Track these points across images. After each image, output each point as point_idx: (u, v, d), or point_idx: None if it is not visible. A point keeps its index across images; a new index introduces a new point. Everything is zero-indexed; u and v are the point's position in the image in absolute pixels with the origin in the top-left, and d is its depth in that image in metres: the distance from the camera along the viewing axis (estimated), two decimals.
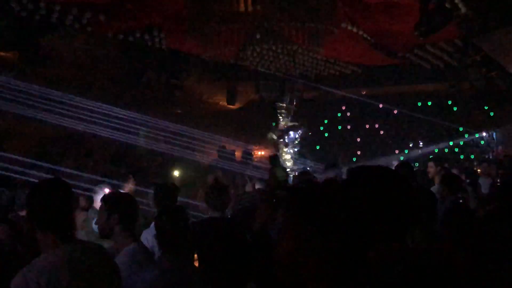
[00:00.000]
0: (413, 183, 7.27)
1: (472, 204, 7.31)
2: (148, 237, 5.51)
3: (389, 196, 2.37)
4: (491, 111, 16.85)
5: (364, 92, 16.69)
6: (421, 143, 17.58)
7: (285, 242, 2.33)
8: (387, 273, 2.29)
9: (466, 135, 17.33)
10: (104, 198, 4.10)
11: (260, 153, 16.13)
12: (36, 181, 3.85)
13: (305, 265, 2.22)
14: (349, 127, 18.20)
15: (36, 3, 9.44)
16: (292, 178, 10.80)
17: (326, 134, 18.07)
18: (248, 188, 8.86)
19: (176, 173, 11.71)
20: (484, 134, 17.22)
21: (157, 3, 10.24)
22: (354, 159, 17.84)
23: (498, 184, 9.15)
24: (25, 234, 4.76)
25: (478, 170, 12.46)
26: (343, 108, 17.87)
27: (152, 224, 5.84)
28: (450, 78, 15.08)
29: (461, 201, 6.57)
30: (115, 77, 13.13)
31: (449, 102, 16.52)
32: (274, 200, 5.05)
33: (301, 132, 12.20)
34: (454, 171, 10.01)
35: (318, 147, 17.44)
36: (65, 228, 3.29)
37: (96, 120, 12.44)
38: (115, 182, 9.12)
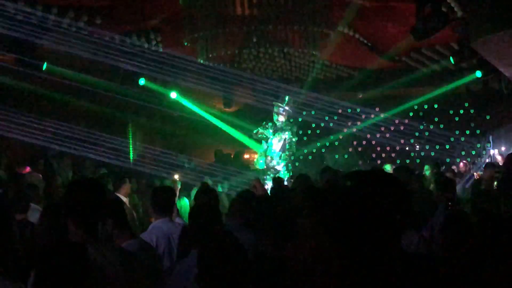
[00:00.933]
0: (410, 187, 7.31)
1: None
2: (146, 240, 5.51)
3: (385, 200, 2.38)
4: (487, 114, 16.88)
5: (361, 96, 16.71)
6: (417, 147, 17.58)
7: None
8: (384, 278, 2.30)
9: (462, 138, 17.36)
10: None
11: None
12: None
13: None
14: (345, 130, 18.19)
15: (33, 6, 9.44)
16: (290, 181, 10.78)
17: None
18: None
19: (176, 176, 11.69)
20: (480, 137, 17.26)
21: (154, 7, 10.25)
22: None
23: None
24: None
25: (475, 173, 12.47)
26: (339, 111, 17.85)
27: (150, 228, 5.84)
28: (446, 81, 15.12)
29: (450, 203, 6.58)
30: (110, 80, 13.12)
31: (445, 106, 16.52)
32: None
33: (291, 134, 12.03)
34: (448, 174, 10.04)
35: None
36: (93, 228, 3.40)
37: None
38: None
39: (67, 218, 3.41)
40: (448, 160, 16.58)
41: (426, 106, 17.31)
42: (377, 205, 2.36)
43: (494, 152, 15.92)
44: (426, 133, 17.19)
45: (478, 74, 13.41)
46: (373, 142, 18.07)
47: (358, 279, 2.28)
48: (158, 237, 5.39)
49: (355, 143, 18.31)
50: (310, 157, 17.90)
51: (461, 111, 17.12)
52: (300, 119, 16.51)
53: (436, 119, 17.23)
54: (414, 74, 14.39)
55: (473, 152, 17.16)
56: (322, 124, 16.77)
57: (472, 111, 17.13)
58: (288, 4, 9.31)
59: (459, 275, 2.63)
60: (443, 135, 17.12)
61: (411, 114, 17.32)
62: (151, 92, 14.11)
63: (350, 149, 18.26)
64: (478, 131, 17.38)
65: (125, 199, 8.51)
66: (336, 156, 17.59)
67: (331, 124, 16.49)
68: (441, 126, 17.32)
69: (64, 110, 13.12)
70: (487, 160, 15.56)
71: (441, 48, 12.44)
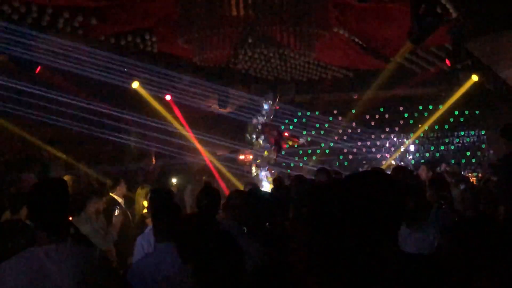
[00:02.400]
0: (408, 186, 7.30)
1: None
2: (143, 242, 5.49)
3: (383, 200, 2.38)
4: (482, 115, 16.93)
5: (356, 96, 16.74)
6: (412, 147, 17.64)
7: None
8: (384, 278, 2.30)
9: (457, 140, 17.43)
10: None
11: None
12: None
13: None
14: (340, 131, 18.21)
15: (28, 6, 9.43)
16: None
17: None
18: None
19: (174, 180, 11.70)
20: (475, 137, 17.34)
21: (149, 7, 10.25)
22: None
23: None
24: None
25: (469, 174, 12.52)
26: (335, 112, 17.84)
27: (147, 230, 5.82)
28: (441, 82, 15.17)
29: (443, 206, 6.60)
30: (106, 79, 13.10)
31: (440, 107, 16.57)
32: None
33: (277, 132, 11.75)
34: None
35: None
36: (59, 228, 3.33)
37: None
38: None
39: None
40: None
41: (420, 107, 17.41)
42: (374, 205, 2.37)
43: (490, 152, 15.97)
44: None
45: (475, 78, 13.47)
46: None
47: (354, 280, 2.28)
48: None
49: None
50: None
51: (456, 112, 17.16)
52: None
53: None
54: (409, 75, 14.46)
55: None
56: None
57: (467, 112, 17.20)
58: (283, 5, 9.32)
59: (455, 275, 2.64)
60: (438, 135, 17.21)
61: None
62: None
63: None
64: (472, 132, 17.47)
65: (120, 200, 8.50)
66: None
67: None
68: (436, 127, 17.40)
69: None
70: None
71: (436, 50, 12.47)
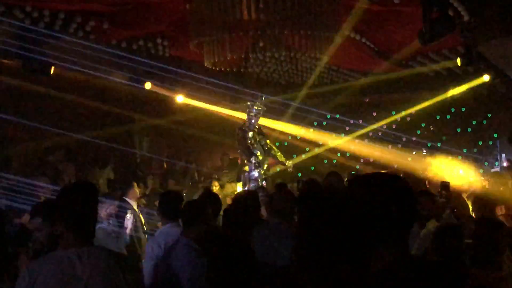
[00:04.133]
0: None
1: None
2: (153, 245, 5.51)
3: (392, 202, 2.38)
4: (495, 119, 16.81)
5: (368, 100, 16.70)
6: (424, 151, 17.51)
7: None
8: (389, 281, 2.29)
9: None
10: None
11: None
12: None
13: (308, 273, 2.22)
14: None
15: (40, 11, 9.49)
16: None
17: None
18: None
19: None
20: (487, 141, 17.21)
21: (160, 11, 10.29)
22: None
23: None
24: None
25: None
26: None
27: (157, 233, 5.85)
28: (453, 85, 15.08)
29: (455, 210, 6.65)
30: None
31: (452, 110, 16.47)
32: None
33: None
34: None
35: None
36: (87, 231, 3.36)
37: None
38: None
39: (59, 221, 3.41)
40: None
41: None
42: (384, 207, 2.36)
43: (503, 157, 15.83)
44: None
45: (486, 78, 13.37)
46: None
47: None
48: (166, 242, 5.39)
49: None
50: None
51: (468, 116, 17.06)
52: None
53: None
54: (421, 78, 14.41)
55: None
56: None
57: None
58: (294, 8, 9.31)
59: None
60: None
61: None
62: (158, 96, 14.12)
63: None
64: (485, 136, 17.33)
65: (133, 203, 8.54)
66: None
67: None
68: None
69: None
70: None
71: (448, 53, 12.42)
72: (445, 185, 7.45)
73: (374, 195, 2.41)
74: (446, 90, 14.91)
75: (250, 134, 11.26)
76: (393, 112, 16.95)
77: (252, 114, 11.40)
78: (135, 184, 8.89)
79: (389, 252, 2.37)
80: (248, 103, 11.68)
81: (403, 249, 2.43)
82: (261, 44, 10.06)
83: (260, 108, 11.45)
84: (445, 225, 5.28)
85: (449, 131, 17.09)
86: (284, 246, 5.03)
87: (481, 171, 13.35)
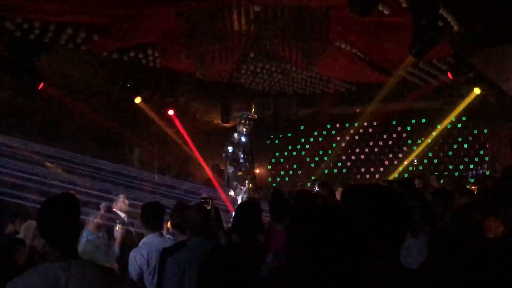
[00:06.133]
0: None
1: None
2: (136, 255, 5.52)
3: (385, 214, 2.37)
4: (485, 128, 16.93)
5: (358, 110, 16.76)
6: (415, 161, 17.60)
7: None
8: None
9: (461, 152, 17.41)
10: None
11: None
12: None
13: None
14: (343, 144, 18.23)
15: (31, 23, 9.47)
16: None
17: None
18: None
19: None
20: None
21: (151, 23, 10.28)
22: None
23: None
24: None
25: (473, 187, 12.43)
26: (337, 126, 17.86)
27: (140, 243, 5.85)
28: (443, 95, 15.17)
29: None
30: (109, 96, 13.17)
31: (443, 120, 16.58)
32: None
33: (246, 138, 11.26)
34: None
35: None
36: (70, 245, 3.32)
37: None
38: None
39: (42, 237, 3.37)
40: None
41: (423, 120, 17.43)
42: (377, 219, 2.36)
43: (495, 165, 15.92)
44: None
45: (477, 91, 13.46)
46: None
47: None
48: (149, 252, 5.43)
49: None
50: None
51: (459, 125, 17.16)
52: None
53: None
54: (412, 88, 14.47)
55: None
56: None
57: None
58: (285, 20, 9.34)
59: None
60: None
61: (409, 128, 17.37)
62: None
63: None
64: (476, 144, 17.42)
65: (122, 215, 8.48)
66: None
67: None
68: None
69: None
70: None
71: (439, 63, 12.48)
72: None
73: (367, 206, 2.41)
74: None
75: (237, 145, 11.14)
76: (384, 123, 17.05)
77: (242, 124, 11.28)
78: (123, 196, 8.81)
79: (381, 264, 2.36)
80: (239, 113, 11.57)
81: (395, 260, 2.43)
82: (251, 55, 10.08)
83: (251, 118, 11.33)
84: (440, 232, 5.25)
85: None
86: None
87: None
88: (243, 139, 11.12)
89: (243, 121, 11.17)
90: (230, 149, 10.96)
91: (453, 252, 3.97)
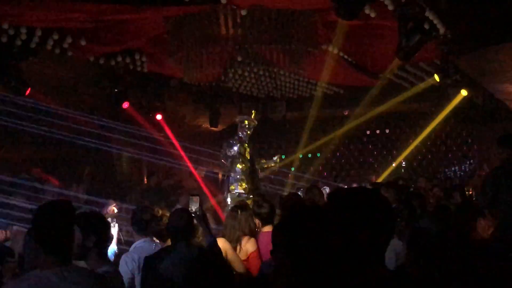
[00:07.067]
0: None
1: None
2: (127, 260, 5.51)
3: (369, 217, 2.38)
4: (472, 130, 17.03)
5: (347, 113, 16.80)
6: (403, 163, 17.68)
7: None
8: None
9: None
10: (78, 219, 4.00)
11: None
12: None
13: None
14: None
15: (17, 29, 9.41)
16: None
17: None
18: None
19: None
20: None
21: (138, 27, 10.26)
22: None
23: None
24: None
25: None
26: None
27: (131, 248, 5.84)
28: (431, 97, 15.23)
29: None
30: (96, 100, 13.13)
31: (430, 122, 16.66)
32: None
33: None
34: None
35: None
36: (66, 251, 3.31)
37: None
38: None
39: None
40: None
41: (411, 123, 17.50)
42: (362, 223, 2.35)
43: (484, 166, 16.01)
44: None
45: (464, 93, 13.51)
46: None
47: None
48: (140, 257, 5.42)
49: None
50: None
51: (447, 127, 17.25)
52: None
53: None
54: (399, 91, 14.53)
55: None
56: None
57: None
58: (272, 24, 9.34)
59: None
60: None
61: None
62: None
63: None
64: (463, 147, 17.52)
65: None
66: None
67: None
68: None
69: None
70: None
71: (426, 66, 12.53)
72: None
73: (351, 209, 2.41)
74: None
75: (236, 148, 11.05)
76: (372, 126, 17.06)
77: (243, 128, 11.23)
78: (112, 201, 8.79)
79: (366, 267, 2.36)
80: (239, 118, 11.56)
81: (380, 263, 2.43)
82: (239, 59, 10.07)
83: (252, 122, 11.32)
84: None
85: None
86: None
87: None
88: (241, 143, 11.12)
89: (243, 126, 11.18)
90: (235, 149, 10.94)
91: (430, 251, 3.98)
